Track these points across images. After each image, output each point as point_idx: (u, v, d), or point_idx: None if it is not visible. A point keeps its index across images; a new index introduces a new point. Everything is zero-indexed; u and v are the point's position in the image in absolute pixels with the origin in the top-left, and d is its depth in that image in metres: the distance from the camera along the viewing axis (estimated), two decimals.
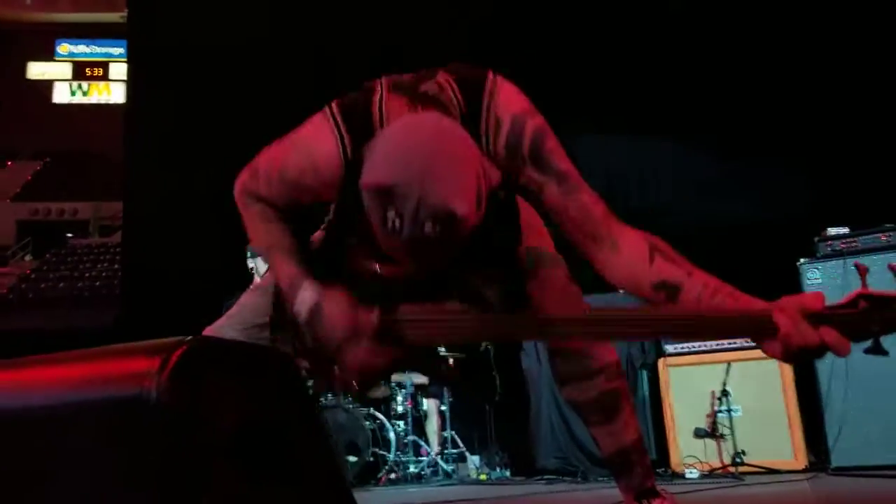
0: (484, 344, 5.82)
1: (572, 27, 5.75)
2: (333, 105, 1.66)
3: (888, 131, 5.02)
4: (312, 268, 1.71)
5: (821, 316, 1.33)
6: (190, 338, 0.77)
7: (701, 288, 1.45)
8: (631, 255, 1.54)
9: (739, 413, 4.47)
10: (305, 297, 1.65)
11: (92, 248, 23.81)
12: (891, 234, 4.49)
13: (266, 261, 1.80)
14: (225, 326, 1.86)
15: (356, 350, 1.60)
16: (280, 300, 1.76)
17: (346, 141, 1.62)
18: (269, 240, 1.75)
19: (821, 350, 1.33)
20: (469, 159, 1.45)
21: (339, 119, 1.64)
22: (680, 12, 5.54)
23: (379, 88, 1.65)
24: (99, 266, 22.02)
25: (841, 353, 1.31)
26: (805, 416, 4.44)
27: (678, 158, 5.56)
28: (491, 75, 1.65)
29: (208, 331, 1.87)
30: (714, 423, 4.45)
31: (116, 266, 19.16)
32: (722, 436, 4.43)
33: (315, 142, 1.67)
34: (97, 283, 20.35)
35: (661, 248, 1.53)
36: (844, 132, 5.20)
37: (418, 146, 1.43)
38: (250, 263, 5.16)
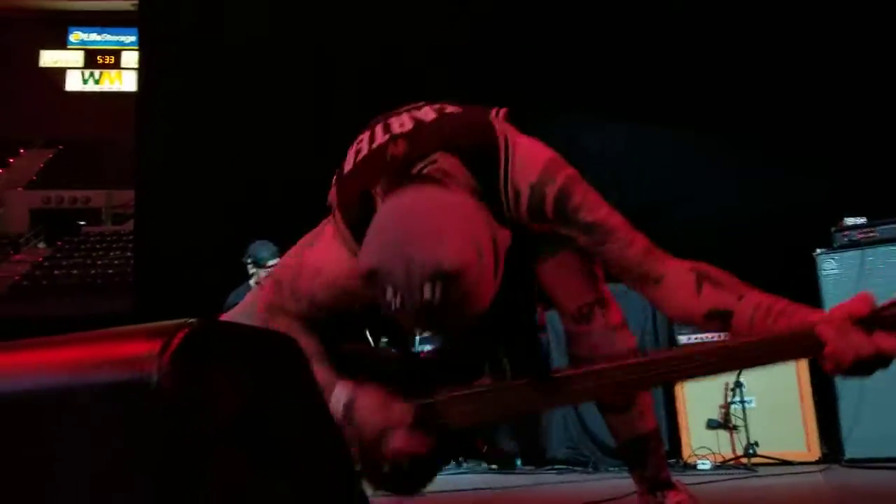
0: None
1: (587, 15, 5.70)
2: (340, 222, 1.65)
3: None
4: (349, 369, 1.71)
5: (872, 320, 1.27)
6: (192, 320, 0.74)
7: (752, 311, 1.43)
8: (676, 288, 1.52)
9: (753, 404, 4.42)
10: (339, 395, 1.63)
11: (105, 235, 23.93)
12: None
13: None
14: (236, 319, 1.84)
15: (393, 440, 1.59)
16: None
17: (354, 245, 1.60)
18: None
19: (879, 360, 1.26)
20: (448, 207, 1.43)
21: (349, 238, 1.63)
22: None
23: (379, 196, 1.59)
24: (112, 254, 22.13)
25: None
26: (819, 408, 4.40)
27: (691, 150, 5.51)
28: (502, 143, 1.60)
29: None
30: (727, 415, 4.41)
31: (129, 254, 19.24)
32: (735, 427, 4.39)
33: (335, 266, 1.64)
34: (110, 271, 20.46)
35: (710, 275, 1.51)
36: (861, 120, 5.13)
37: (395, 218, 1.43)
38: (251, 270, 5.17)
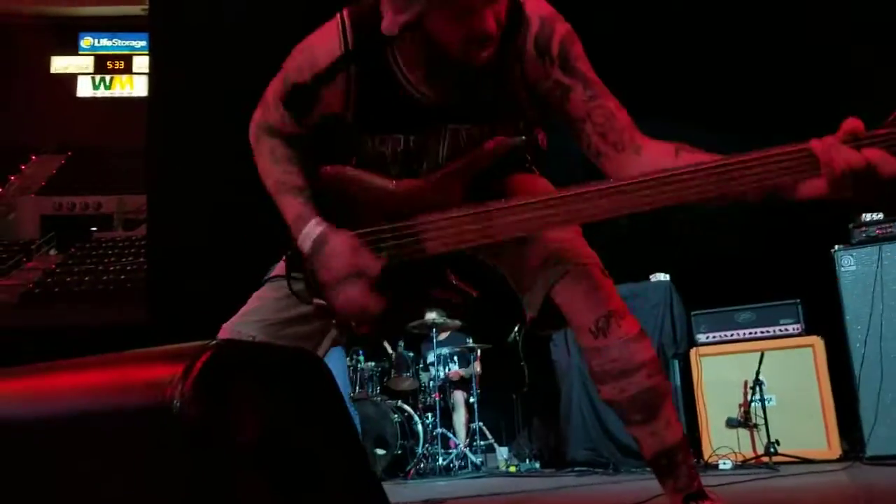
0: (513, 335, 5.77)
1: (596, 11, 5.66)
2: (344, 11, 1.65)
3: None
4: (324, 199, 1.70)
5: (861, 137, 1.28)
6: (213, 342, 0.72)
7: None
8: (655, 154, 1.50)
9: (773, 402, 4.38)
10: (311, 231, 1.64)
11: (116, 241, 24.00)
12: None
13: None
14: (242, 323, 1.80)
15: (349, 290, 1.59)
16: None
17: (349, 32, 1.61)
18: (278, 178, 1.74)
19: (868, 173, 1.26)
20: None
21: (345, 18, 1.63)
22: None
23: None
24: (123, 260, 22.19)
25: (887, 170, 1.24)
26: (839, 405, 4.36)
27: (709, 144, 5.46)
28: None
29: (225, 328, 1.81)
30: (747, 413, 4.37)
31: (141, 259, 19.30)
32: (755, 425, 4.35)
33: (316, 39, 1.66)
34: (122, 277, 20.51)
35: (686, 145, 1.48)
36: (876, 115, 5.07)
37: None
38: None
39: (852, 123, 1.31)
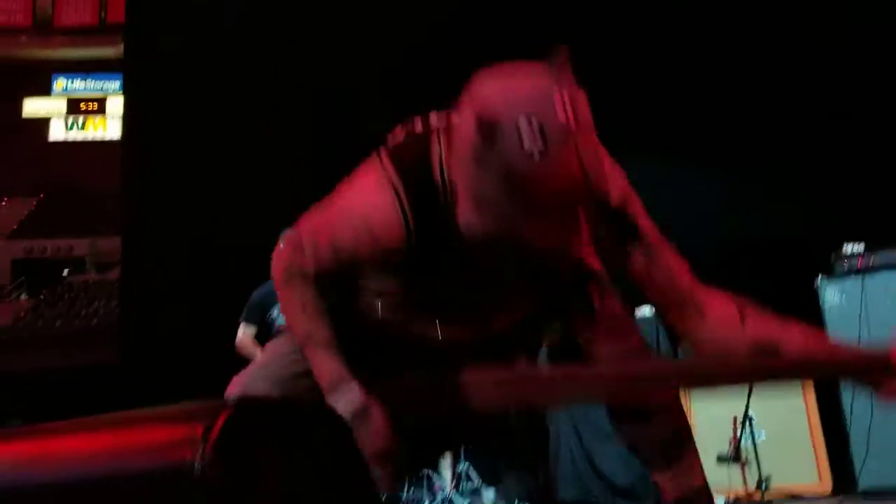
0: None
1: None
2: (384, 159, 1.52)
3: None
4: (361, 339, 1.62)
5: None
6: (233, 400, 0.68)
7: (802, 340, 1.43)
8: (720, 318, 1.47)
9: (763, 437, 4.35)
10: (352, 398, 1.52)
11: (89, 284, 23.68)
12: None
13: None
14: (257, 378, 1.72)
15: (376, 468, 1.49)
16: None
17: (406, 205, 1.47)
18: (309, 330, 1.63)
19: None
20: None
21: (394, 178, 1.49)
22: (688, 27, 5.50)
23: (436, 139, 1.49)
24: (96, 303, 21.89)
25: None
26: (829, 438, 4.34)
27: (691, 176, 5.49)
28: None
29: (237, 381, 1.73)
30: (738, 449, 4.33)
31: (114, 302, 19.03)
32: (746, 461, 4.31)
33: (371, 209, 1.52)
34: (95, 321, 20.22)
35: (751, 306, 1.47)
36: (858, 147, 5.13)
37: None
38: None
39: None
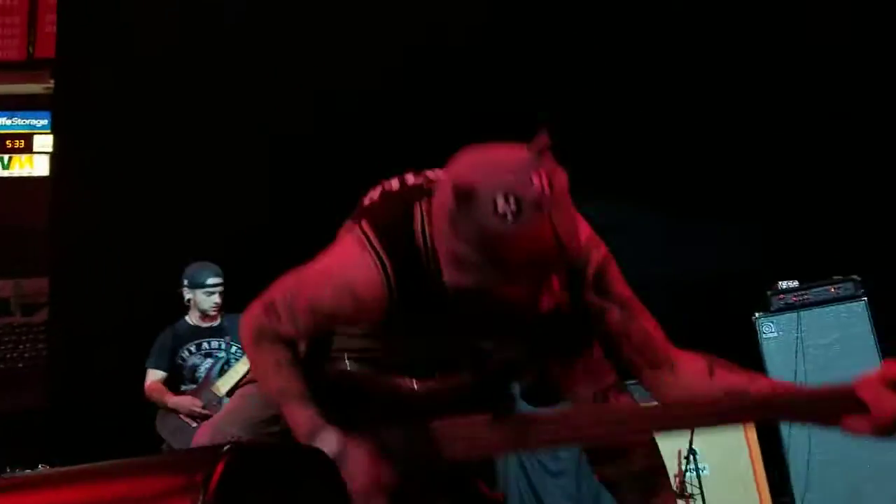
0: None
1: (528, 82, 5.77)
2: (363, 221, 1.58)
3: (834, 185, 5.11)
4: (335, 397, 1.64)
5: None
6: (227, 447, 0.67)
7: (769, 387, 1.48)
8: (690, 373, 1.54)
9: (707, 472, 4.39)
10: (327, 445, 1.53)
11: (13, 327, 22.89)
12: (839, 286, 4.57)
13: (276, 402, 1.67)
14: (226, 424, 1.72)
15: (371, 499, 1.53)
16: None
17: (388, 264, 1.53)
18: (282, 385, 1.64)
19: None
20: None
21: (374, 239, 1.55)
22: (623, 72, 5.60)
23: (416, 199, 1.56)
24: (21, 346, 21.15)
25: None
26: (770, 471, 4.40)
27: (634, 216, 5.58)
28: None
29: (205, 428, 1.72)
30: (683, 483, 4.35)
31: (40, 346, 18.40)
32: (691, 496, 4.33)
33: (352, 269, 1.56)
34: (20, 365, 19.51)
35: (718, 361, 1.54)
36: (790, 188, 5.28)
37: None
38: (187, 294, 4.98)
39: (893, 369, 1.36)
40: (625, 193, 5.34)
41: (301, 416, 1.59)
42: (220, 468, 0.65)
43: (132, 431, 5.51)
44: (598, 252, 1.62)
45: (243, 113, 6.71)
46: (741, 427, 4.43)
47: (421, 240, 1.52)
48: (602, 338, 1.64)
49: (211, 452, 0.68)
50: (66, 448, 6.24)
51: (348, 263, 1.56)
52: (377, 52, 6.13)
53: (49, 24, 10.95)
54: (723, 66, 5.41)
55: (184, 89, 6.97)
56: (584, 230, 1.61)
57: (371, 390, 1.65)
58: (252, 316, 1.68)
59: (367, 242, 1.54)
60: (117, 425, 5.96)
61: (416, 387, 1.63)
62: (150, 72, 7.05)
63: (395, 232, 1.53)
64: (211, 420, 1.75)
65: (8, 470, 4.40)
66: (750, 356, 4.41)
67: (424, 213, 1.53)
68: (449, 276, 1.44)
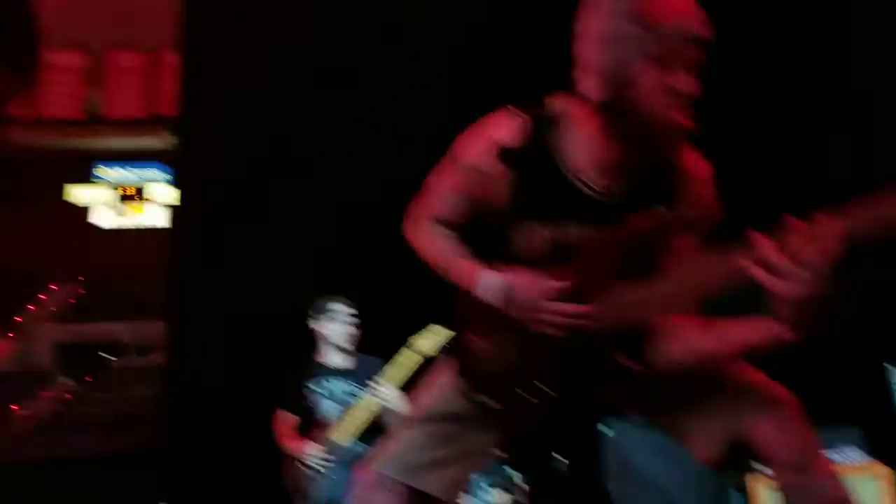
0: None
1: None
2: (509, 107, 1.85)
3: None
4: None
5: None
6: None
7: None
8: None
9: None
10: (491, 282, 1.71)
11: (131, 369, 23.78)
12: None
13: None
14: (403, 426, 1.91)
15: (558, 307, 1.63)
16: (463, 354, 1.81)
17: (528, 122, 1.77)
18: (438, 249, 1.87)
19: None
20: None
21: (516, 111, 1.82)
22: None
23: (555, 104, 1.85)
24: (138, 387, 21.93)
25: None
26: None
27: None
28: None
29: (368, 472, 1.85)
30: None
31: (156, 387, 19.05)
32: None
33: (493, 119, 1.82)
34: (137, 405, 20.23)
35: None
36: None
37: None
38: (317, 327, 4.88)
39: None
40: None
41: (462, 267, 1.80)
42: None
43: (246, 471, 5.63)
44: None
45: (360, 161, 6.85)
46: (874, 482, 4.22)
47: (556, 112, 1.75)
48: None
49: None
50: (182, 487, 6.44)
51: (490, 119, 1.83)
52: None
53: (167, 83, 11.55)
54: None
55: (299, 132, 7.19)
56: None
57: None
58: (410, 212, 1.95)
59: (510, 113, 1.82)
60: (232, 467, 6.11)
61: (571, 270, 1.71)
62: (264, 131, 7.32)
63: (534, 108, 1.80)
64: (371, 458, 1.86)
65: None
66: (882, 408, 4.21)
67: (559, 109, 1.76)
68: (598, 61, 1.59)
